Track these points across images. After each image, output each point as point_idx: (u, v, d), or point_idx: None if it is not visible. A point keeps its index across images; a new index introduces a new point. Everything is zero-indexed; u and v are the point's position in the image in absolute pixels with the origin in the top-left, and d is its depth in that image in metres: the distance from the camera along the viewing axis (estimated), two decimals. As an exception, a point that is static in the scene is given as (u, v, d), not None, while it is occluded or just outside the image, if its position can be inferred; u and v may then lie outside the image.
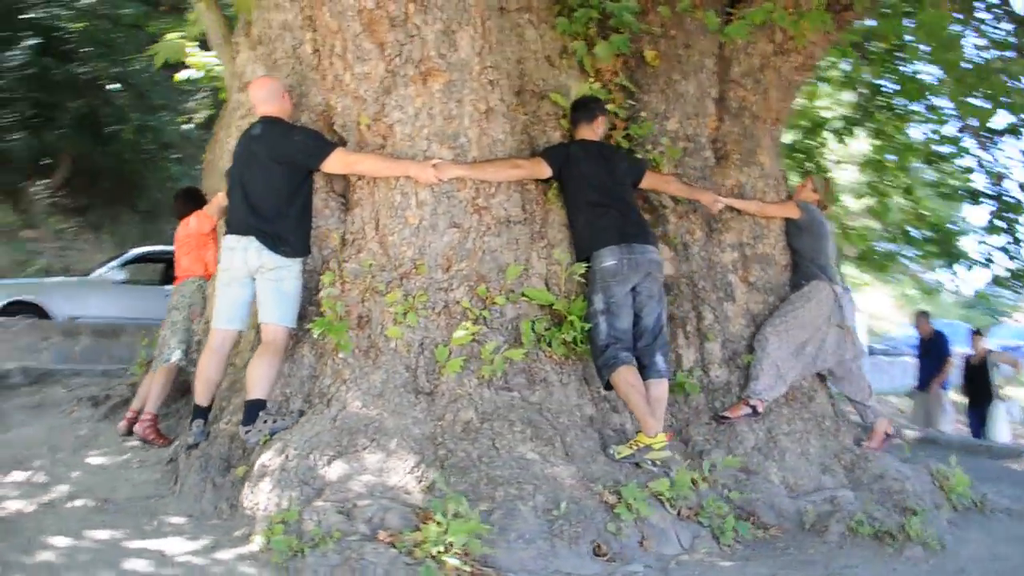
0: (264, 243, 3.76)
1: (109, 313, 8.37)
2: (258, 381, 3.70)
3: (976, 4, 6.15)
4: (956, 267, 9.09)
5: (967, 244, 12.31)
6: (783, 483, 4.15)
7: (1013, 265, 8.05)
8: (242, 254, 3.79)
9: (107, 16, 12.94)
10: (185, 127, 14.29)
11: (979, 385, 8.81)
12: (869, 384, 4.80)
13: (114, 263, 8.92)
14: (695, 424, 4.43)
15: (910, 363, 11.51)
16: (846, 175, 10.34)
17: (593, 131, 4.13)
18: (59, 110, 13.13)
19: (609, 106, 4.65)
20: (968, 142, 8.04)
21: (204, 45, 5.66)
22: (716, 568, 3.22)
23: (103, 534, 3.15)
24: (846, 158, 9.80)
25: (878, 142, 8.94)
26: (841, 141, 8.97)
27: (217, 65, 5.78)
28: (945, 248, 9.02)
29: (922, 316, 9.28)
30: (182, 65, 6.17)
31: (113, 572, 2.72)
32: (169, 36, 5.74)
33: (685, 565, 3.24)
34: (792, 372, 4.53)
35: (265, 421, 3.62)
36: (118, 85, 13.74)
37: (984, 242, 8.24)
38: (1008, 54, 6.10)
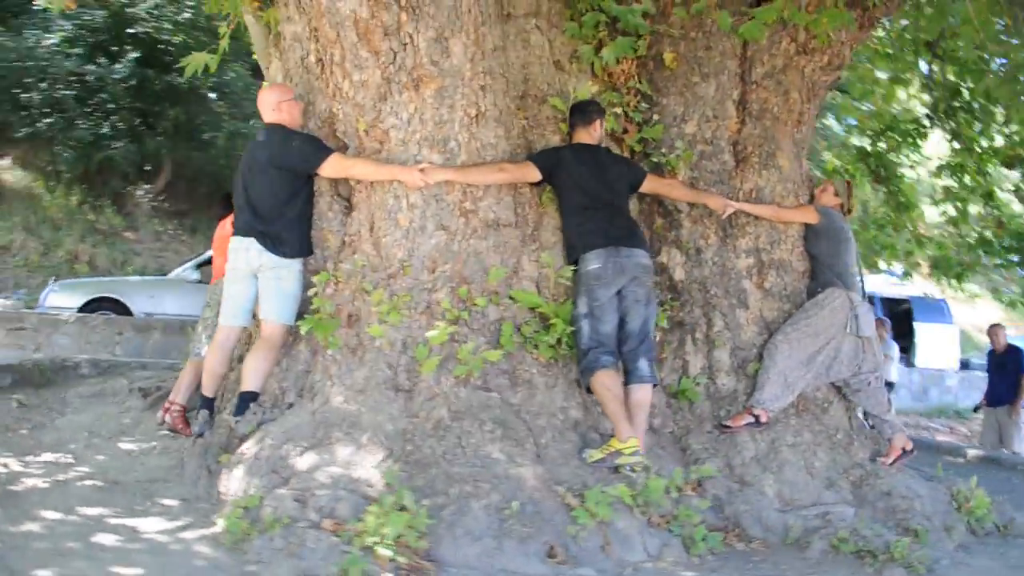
0: (264, 244, 3.97)
1: (183, 311, 8.91)
2: (251, 374, 3.91)
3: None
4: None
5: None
6: (778, 496, 4.03)
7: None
8: (244, 254, 4.01)
9: (204, 28, 13.75)
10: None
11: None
12: (888, 398, 4.59)
13: (189, 264, 9.49)
14: (696, 432, 4.35)
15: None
16: (924, 180, 9.81)
17: (590, 134, 4.14)
18: (159, 118, 14.08)
19: (618, 110, 4.65)
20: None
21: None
22: (673, 577, 3.18)
23: (93, 511, 3.40)
24: (922, 162, 9.30)
25: (957, 145, 8.46)
26: (914, 145, 8.54)
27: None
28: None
29: (997, 329, 8.71)
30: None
31: (81, 543, 2.95)
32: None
33: (643, 572, 3.22)
34: (801, 382, 4.38)
35: (255, 412, 3.82)
36: (214, 94, 14.60)
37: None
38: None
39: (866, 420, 4.71)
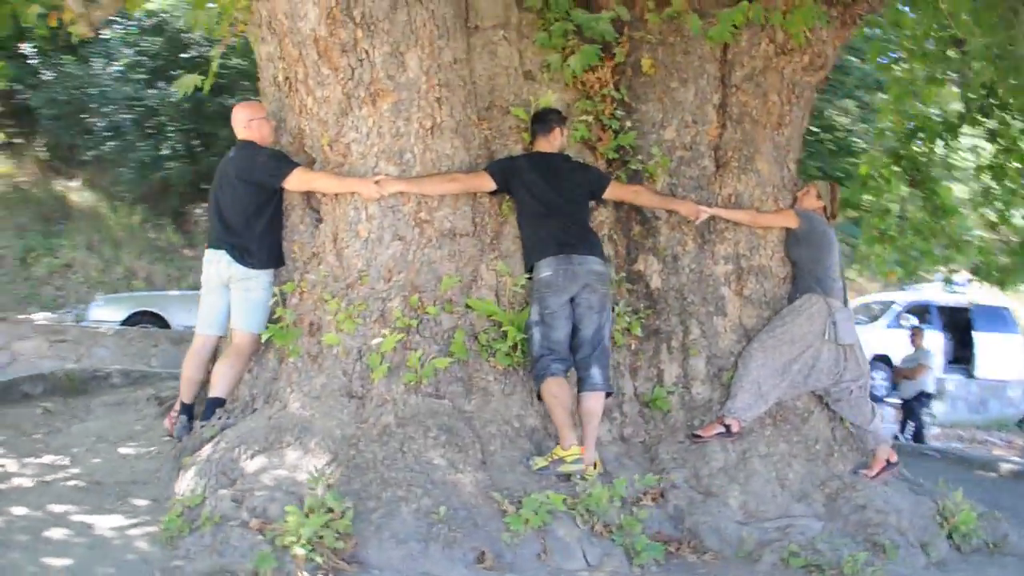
0: (233, 256, 4.13)
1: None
2: (219, 381, 4.07)
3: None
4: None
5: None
6: (742, 508, 3.94)
7: None
8: (216, 266, 4.18)
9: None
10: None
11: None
12: (873, 408, 4.42)
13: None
14: (667, 442, 4.30)
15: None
16: (966, 182, 9.40)
17: (549, 143, 4.16)
18: (214, 139, 14.67)
19: (590, 118, 4.64)
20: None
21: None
22: (602, 586, 3.15)
23: (61, 508, 3.58)
24: (958, 163, 8.93)
25: (995, 145, 8.09)
26: (947, 145, 8.20)
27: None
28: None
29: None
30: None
31: (29, 537, 3.13)
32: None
33: (573, 580, 3.20)
34: (775, 391, 4.28)
35: (220, 417, 3.98)
36: (265, 115, 15.11)
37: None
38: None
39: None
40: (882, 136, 9.21)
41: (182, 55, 14.12)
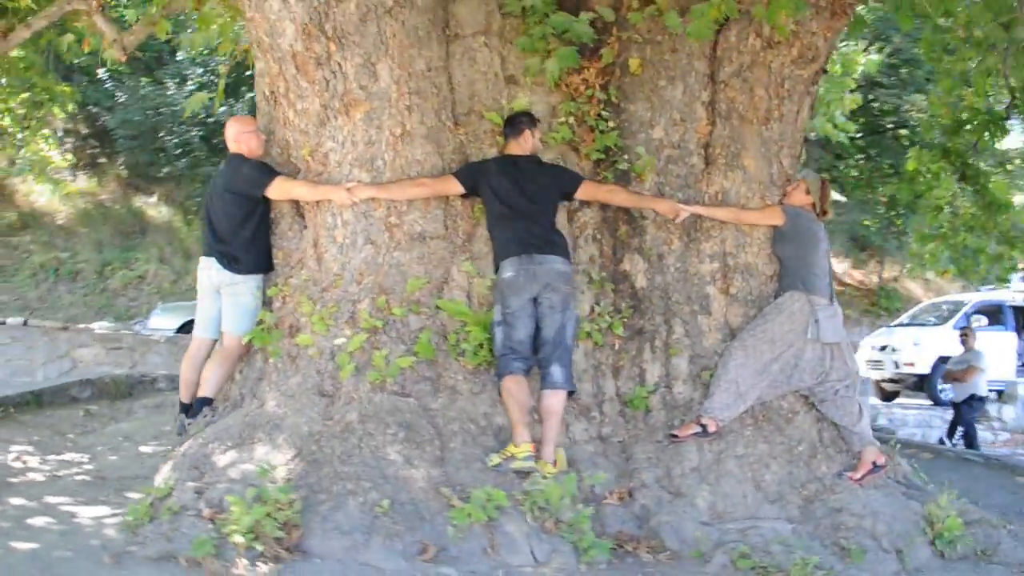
0: (222, 263, 4.36)
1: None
2: (207, 381, 4.31)
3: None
4: None
5: None
6: (710, 509, 3.90)
7: None
8: (207, 273, 4.43)
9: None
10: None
11: None
12: (860, 408, 4.28)
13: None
14: (643, 442, 4.28)
15: None
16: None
17: (520, 145, 4.22)
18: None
19: (572, 119, 4.67)
20: None
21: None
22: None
23: (55, 500, 3.87)
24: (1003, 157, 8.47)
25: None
26: (994, 138, 7.79)
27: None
28: None
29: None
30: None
31: (11, 524, 3.39)
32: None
33: (516, 574, 3.24)
34: (754, 391, 4.21)
35: (205, 416, 4.20)
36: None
37: None
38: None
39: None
40: (930, 130, 8.86)
41: (247, 73, 14.79)
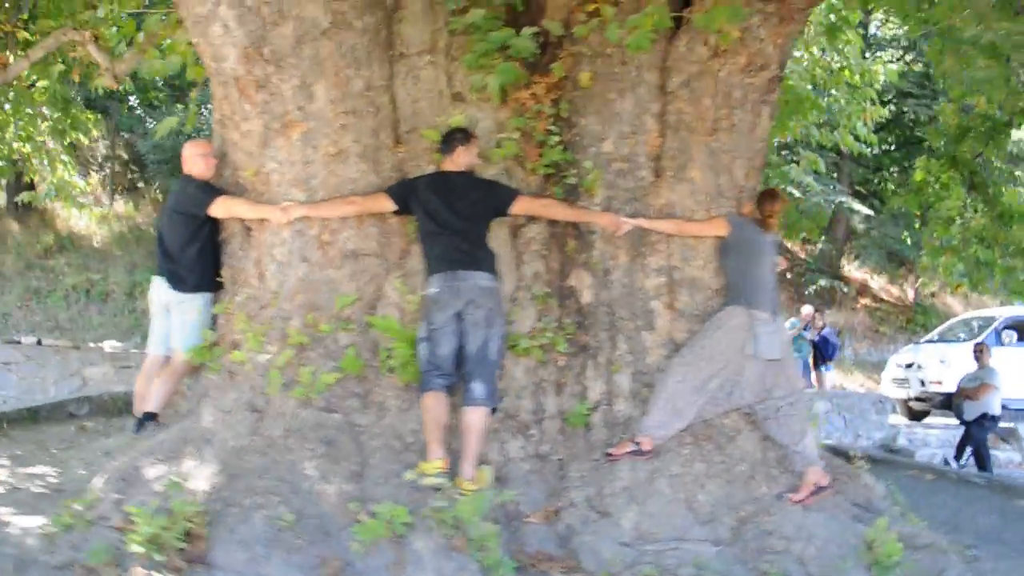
0: (170, 281, 4.50)
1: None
2: (154, 396, 4.44)
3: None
4: None
5: None
6: (635, 529, 3.83)
7: None
8: (157, 291, 4.57)
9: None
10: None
11: None
12: (803, 427, 4.16)
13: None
14: (579, 460, 4.24)
15: None
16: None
17: (453, 161, 4.25)
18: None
19: (516, 135, 4.67)
20: None
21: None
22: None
23: (5, 511, 4.01)
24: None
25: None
26: (998, 146, 7.53)
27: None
28: None
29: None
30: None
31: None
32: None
33: (414, 590, 3.24)
34: (691, 409, 4.13)
35: (150, 430, 4.31)
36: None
37: None
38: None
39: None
40: (937, 139, 8.62)
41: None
